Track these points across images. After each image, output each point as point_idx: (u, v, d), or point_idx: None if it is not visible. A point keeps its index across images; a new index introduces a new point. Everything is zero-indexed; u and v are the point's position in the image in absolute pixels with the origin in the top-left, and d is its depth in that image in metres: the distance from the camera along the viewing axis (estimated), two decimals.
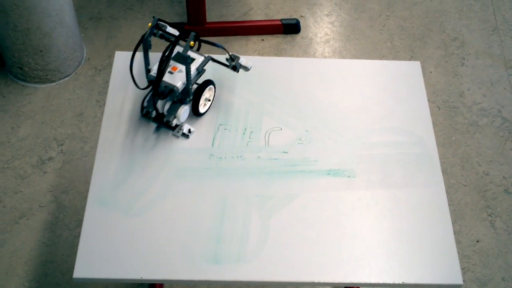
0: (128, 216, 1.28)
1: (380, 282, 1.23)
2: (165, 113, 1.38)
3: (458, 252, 2.05)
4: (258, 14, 2.70)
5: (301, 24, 2.65)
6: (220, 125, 1.43)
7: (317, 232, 1.28)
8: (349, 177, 1.37)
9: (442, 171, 2.23)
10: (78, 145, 2.22)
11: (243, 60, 1.41)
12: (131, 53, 1.54)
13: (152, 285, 1.88)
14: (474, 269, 2.03)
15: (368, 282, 1.23)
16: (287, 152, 1.40)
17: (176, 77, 1.34)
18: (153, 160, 1.36)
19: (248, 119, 1.45)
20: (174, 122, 1.38)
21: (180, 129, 1.40)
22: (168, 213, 1.29)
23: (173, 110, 1.37)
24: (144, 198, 1.31)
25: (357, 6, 2.76)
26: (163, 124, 1.39)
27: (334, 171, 1.37)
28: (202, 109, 1.43)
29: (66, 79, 2.41)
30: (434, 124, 2.37)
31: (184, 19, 2.62)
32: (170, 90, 1.35)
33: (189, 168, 1.36)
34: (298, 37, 2.62)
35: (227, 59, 1.41)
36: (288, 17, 2.67)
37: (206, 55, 1.41)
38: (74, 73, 2.43)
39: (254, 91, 1.50)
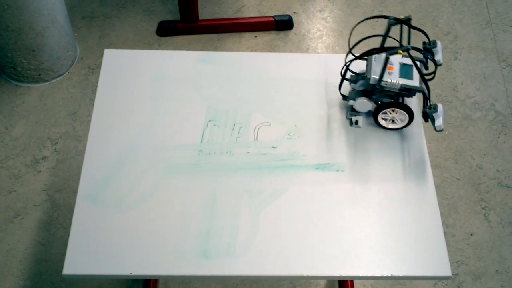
0: (118, 212, 1.29)
1: (369, 274, 1.23)
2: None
3: (452, 246, 2.06)
4: (251, 11, 2.70)
5: (294, 20, 2.65)
6: (209, 121, 1.44)
7: (306, 226, 1.29)
8: (338, 171, 1.37)
9: (436, 165, 2.24)
10: (72, 144, 2.23)
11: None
12: (120, 50, 1.55)
13: (147, 281, 1.88)
14: (468, 262, 2.03)
15: (357, 274, 1.23)
16: (276, 147, 1.40)
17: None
18: (142, 157, 1.37)
19: (237, 115, 1.45)
20: (354, 106, 1.43)
21: (354, 116, 1.45)
22: (157, 209, 1.29)
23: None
24: (134, 195, 1.31)
25: (350, 2, 2.76)
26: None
27: (323, 166, 1.37)
28: (381, 120, 1.44)
29: (59, 78, 2.41)
30: None
31: (176, 16, 2.62)
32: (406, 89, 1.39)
33: (178, 164, 1.36)
34: (291, 33, 2.62)
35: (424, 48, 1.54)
36: (281, 14, 2.67)
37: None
38: (67, 72, 2.43)
39: (243, 86, 1.51)
